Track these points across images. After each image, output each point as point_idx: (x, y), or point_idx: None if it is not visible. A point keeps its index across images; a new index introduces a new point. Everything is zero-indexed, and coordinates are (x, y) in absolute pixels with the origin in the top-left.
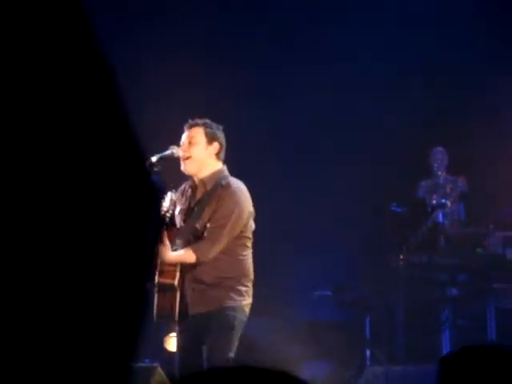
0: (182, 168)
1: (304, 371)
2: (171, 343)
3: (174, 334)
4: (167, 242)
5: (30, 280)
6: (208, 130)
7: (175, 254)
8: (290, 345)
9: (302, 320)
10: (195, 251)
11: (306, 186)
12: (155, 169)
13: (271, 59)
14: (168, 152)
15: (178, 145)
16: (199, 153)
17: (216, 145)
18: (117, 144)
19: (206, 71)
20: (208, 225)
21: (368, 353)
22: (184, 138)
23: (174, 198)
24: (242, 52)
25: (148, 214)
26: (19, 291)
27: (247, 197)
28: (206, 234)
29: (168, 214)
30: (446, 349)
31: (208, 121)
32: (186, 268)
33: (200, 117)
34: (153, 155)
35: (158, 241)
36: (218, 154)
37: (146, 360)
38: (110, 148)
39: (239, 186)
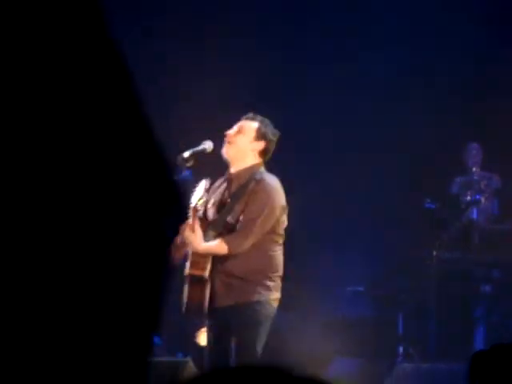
0: (222, 150)
1: (335, 367)
2: (203, 338)
3: (206, 329)
4: (200, 233)
5: (40, 273)
6: (262, 127)
7: (207, 244)
8: (321, 340)
9: (335, 315)
10: (227, 243)
11: (344, 183)
12: (187, 164)
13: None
14: (200, 147)
15: (213, 139)
16: (243, 143)
17: (262, 143)
18: (135, 137)
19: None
20: (241, 218)
21: (400, 349)
22: (236, 125)
23: (207, 185)
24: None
25: (168, 209)
26: (31, 284)
27: (280, 192)
28: (238, 227)
29: (200, 202)
30: (479, 346)
31: (267, 121)
32: (216, 260)
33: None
34: (185, 150)
35: (178, 233)
36: (261, 153)
37: (178, 354)
38: (126, 141)
39: (273, 180)
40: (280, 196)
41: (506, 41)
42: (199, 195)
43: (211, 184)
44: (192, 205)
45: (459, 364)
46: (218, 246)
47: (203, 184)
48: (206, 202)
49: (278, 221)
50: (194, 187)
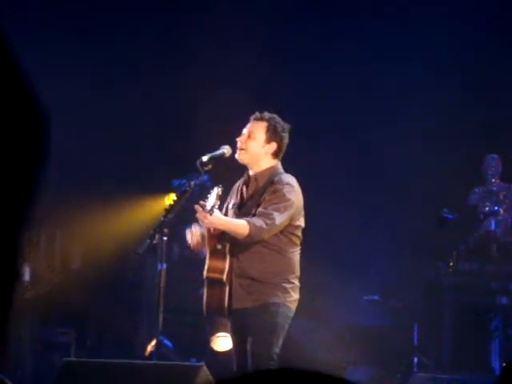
0: (236, 155)
1: (350, 375)
2: (217, 343)
3: (220, 334)
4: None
5: None
6: (271, 127)
7: (228, 218)
8: (336, 348)
9: (350, 324)
10: (249, 223)
11: (361, 192)
12: (206, 168)
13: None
14: (219, 152)
15: (231, 143)
16: (254, 148)
17: (273, 145)
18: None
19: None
20: (260, 208)
21: (415, 359)
22: (246, 128)
23: (220, 192)
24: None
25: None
26: None
27: (299, 191)
28: (258, 214)
29: (214, 209)
30: (494, 358)
31: (275, 117)
32: (233, 263)
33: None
34: (204, 155)
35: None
36: (274, 153)
37: (192, 359)
38: None
39: (291, 180)
40: (298, 195)
41: None
42: (212, 202)
43: (229, 188)
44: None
45: (476, 376)
46: (239, 223)
47: (216, 191)
48: (226, 205)
49: (296, 217)
50: (209, 193)
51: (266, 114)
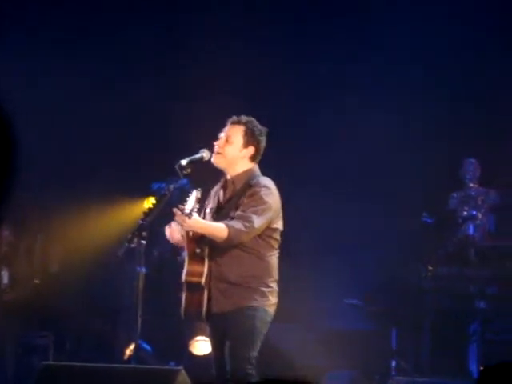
0: (212, 159)
1: (329, 379)
2: (196, 347)
3: (199, 338)
4: (196, 215)
5: None
6: (248, 131)
7: (207, 222)
8: (316, 352)
9: (330, 328)
10: (228, 226)
11: (341, 196)
12: (185, 172)
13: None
14: (198, 155)
15: (210, 147)
16: (232, 152)
17: (251, 149)
18: None
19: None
20: (238, 212)
21: (394, 363)
22: (223, 132)
23: (198, 195)
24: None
25: None
26: None
27: (276, 194)
28: (236, 217)
29: (192, 213)
30: (472, 363)
31: (252, 121)
32: (212, 267)
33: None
34: (183, 158)
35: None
36: (252, 157)
37: (171, 363)
38: None
39: (269, 182)
40: (276, 197)
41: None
42: (191, 205)
43: (208, 191)
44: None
45: (453, 379)
46: (218, 226)
47: (194, 194)
48: (204, 209)
49: (274, 220)
50: (188, 197)
51: (243, 118)
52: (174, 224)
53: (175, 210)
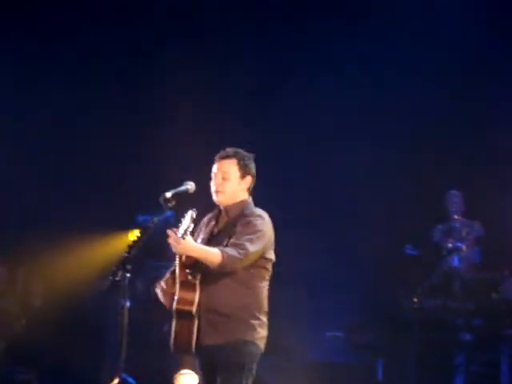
0: (214, 198)
1: None
2: (181, 380)
3: (184, 371)
4: (189, 238)
5: None
6: (241, 162)
7: (202, 246)
8: None
9: (314, 360)
10: (222, 252)
11: (320, 227)
12: (169, 204)
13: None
14: (183, 188)
15: (193, 179)
16: (232, 188)
17: (249, 178)
18: None
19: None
20: (232, 240)
21: None
22: (216, 170)
23: (194, 216)
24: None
25: None
26: None
27: (270, 224)
28: (230, 245)
29: (187, 233)
30: None
31: (241, 151)
32: (202, 296)
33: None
34: (167, 190)
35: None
36: (249, 187)
37: None
38: None
39: (263, 213)
40: (270, 227)
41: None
42: (186, 225)
43: (200, 219)
44: (179, 234)
45: None
46: (212, 251)
47: (190, 214)
48: (196, 237)
49: (268, 250)
50: (182, 217)
51: (231, 150)
52: (163, 283)
53: (169, 231)
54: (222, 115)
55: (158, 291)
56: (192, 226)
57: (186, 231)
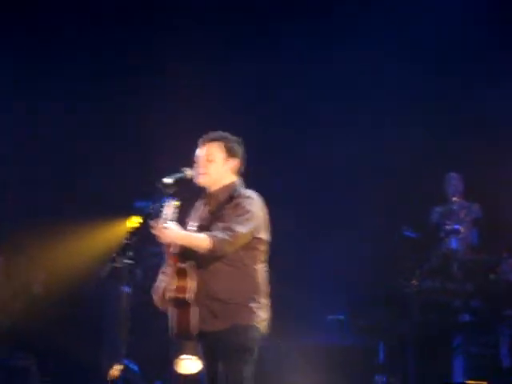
0: (196, 181)
1: None
2: (182, 366)
3: (185, 357)
4: (174, 225)
5: None
6: (227, 145)
7: (188, 233)
8: (302, 369)
9: (316, 344)
10: (210, 236)
11: (320, 208)
12: (168, 190)
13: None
14: (181, 174)
15: (191, 165)
16: (216, 170)
17: (233, 160)
18: None
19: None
20: (221, 223)
21: (381, 378)
22: (201, 153)
23: (175, 204)
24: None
25: None
26: None
27: (260, 203)
28: (219, 228)
29: (167, 222)
30: (457, 375)
31: (227, 135)
32: (199, 283)
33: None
34: (165, 177)
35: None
36: (235, 170)
37: (157, 382)
38: None
39: (252, 193)
40: (259, 207)
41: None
42: (166, 214)
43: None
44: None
45: None
46: (199, 236)
47: (169, 203)
48: (185, 226)
49: (259, 230)
50: (161, 207)
51: (217, 134)
52: (158, 290)
53: (151, 223)
54: (221, 103)
55: (155, 297)
56: (175, 214)
57: (165, 220)
